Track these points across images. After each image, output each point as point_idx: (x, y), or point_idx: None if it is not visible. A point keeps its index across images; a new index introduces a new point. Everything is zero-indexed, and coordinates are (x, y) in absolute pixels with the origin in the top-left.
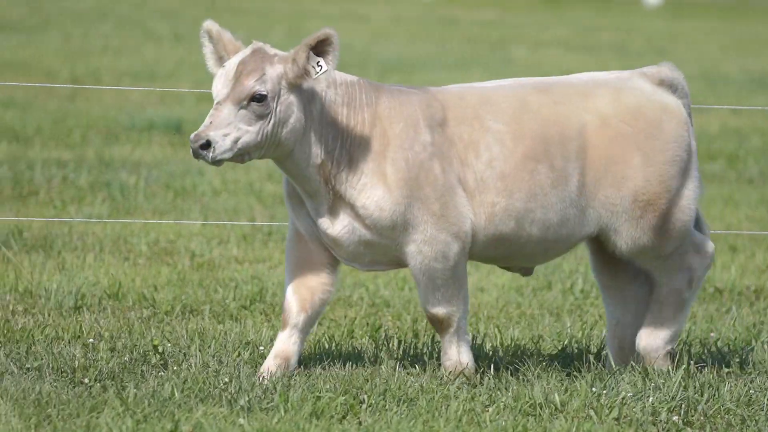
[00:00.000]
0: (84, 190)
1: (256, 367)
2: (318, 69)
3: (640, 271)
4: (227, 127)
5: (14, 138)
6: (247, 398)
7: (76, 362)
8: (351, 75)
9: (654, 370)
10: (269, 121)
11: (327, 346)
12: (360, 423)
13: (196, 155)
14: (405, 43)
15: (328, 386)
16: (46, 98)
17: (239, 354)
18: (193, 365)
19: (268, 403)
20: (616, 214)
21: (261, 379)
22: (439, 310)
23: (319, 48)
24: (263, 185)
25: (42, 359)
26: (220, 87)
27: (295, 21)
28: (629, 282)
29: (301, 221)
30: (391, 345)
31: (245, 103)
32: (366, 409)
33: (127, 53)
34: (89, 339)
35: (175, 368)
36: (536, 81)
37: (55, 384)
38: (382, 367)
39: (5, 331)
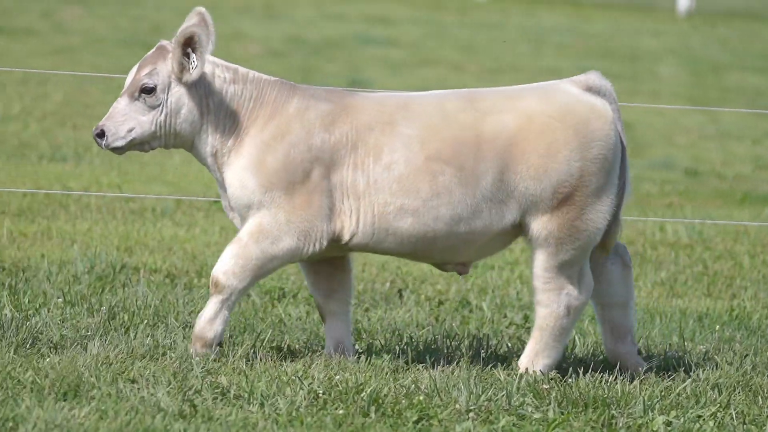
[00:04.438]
0: None
1: None
2: (192, 65)
3: (615, 252)
4: (122, 118)
5: None
6: None
7: None
8: (272, 76)
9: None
10: (161, 112)
11: None
12: None
13: (97, 143)
14: None
15: None
16: None
17: None
18: None
19: None
20: (536, 204)
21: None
22: (224, 272)
23: (189, 46)
24: None
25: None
26: (126, 82)
27: None
28: (603, 264)
29: None
30: None
31: (137, 95)
32: None
33: None
34: None
35: None
36: (466, 90)
37: None
38: None
39: None
